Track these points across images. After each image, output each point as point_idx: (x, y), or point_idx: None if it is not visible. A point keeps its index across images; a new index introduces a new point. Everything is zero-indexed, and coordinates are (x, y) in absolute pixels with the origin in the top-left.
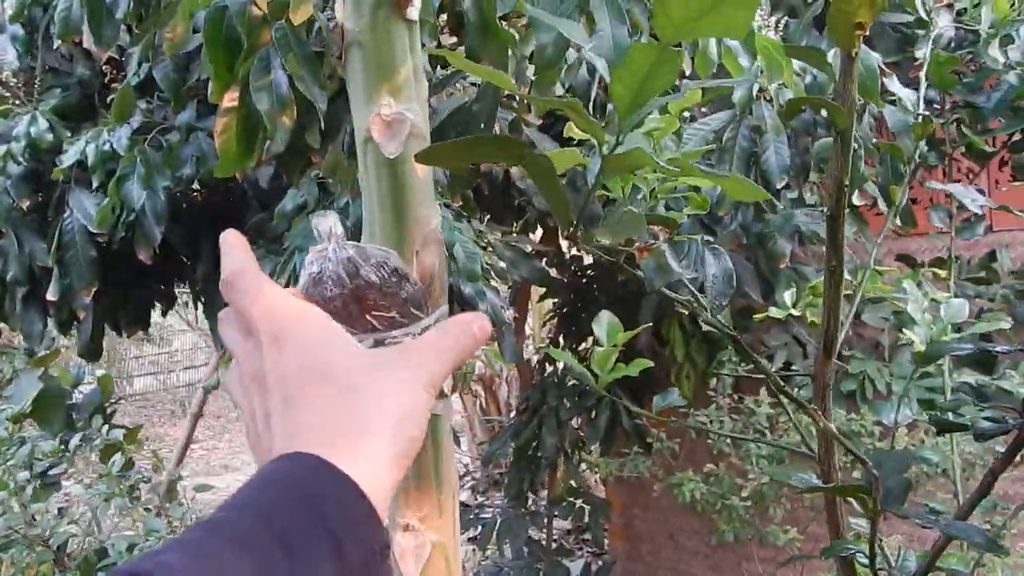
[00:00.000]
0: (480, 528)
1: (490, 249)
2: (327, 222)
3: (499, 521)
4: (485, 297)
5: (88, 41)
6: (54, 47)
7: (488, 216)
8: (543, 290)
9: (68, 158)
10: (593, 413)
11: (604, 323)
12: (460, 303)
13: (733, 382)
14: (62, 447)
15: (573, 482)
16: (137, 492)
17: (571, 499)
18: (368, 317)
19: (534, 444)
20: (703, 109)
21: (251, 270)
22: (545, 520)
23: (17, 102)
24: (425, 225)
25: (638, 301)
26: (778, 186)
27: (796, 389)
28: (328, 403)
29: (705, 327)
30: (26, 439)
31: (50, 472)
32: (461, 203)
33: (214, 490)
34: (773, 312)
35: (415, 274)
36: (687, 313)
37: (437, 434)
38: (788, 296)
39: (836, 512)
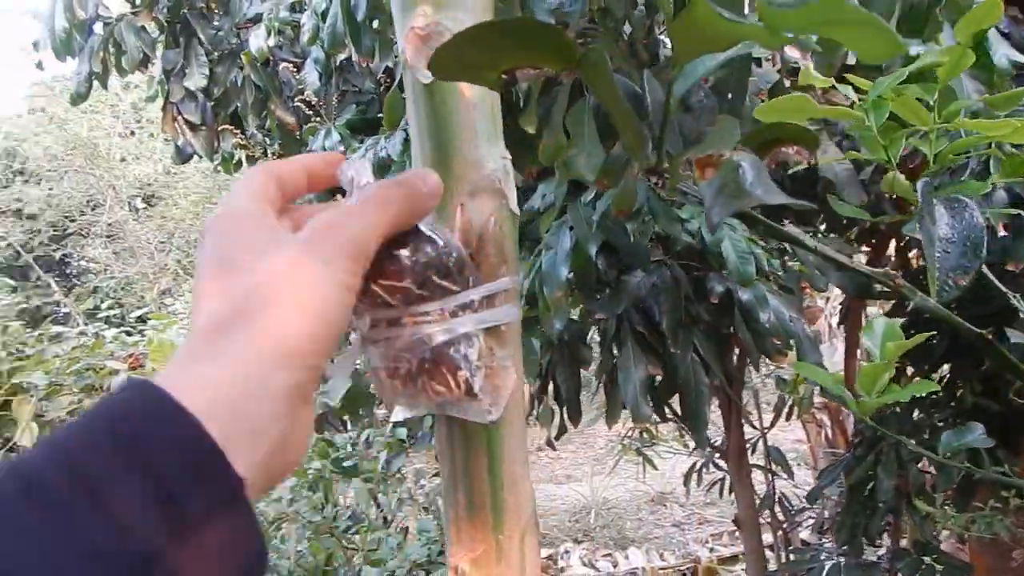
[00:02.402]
0: (808, 572)
1: (788, 253)
2: (350, 170)
3: (826, 568)
4: (767, 305)
5: (353, 52)
6: (338, 64)
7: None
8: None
9: None
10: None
11: (878, 331)
12: (740, 310)
13: None
14: (354, 440)
15: (920, 535)
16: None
17: (919, 555)
18: (375, 287)
19: (870, 485)
20: None
21: (262, 188)
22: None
23: (319, 120)
24: (476, 170)
25: (1007, 318)
26: None
27: None
28: (213, 297)
29: None
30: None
31: (345, 464)
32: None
33: (554, 498)
34: None
35: (454, 233)
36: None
37: (493, 450)
38: None
39: None
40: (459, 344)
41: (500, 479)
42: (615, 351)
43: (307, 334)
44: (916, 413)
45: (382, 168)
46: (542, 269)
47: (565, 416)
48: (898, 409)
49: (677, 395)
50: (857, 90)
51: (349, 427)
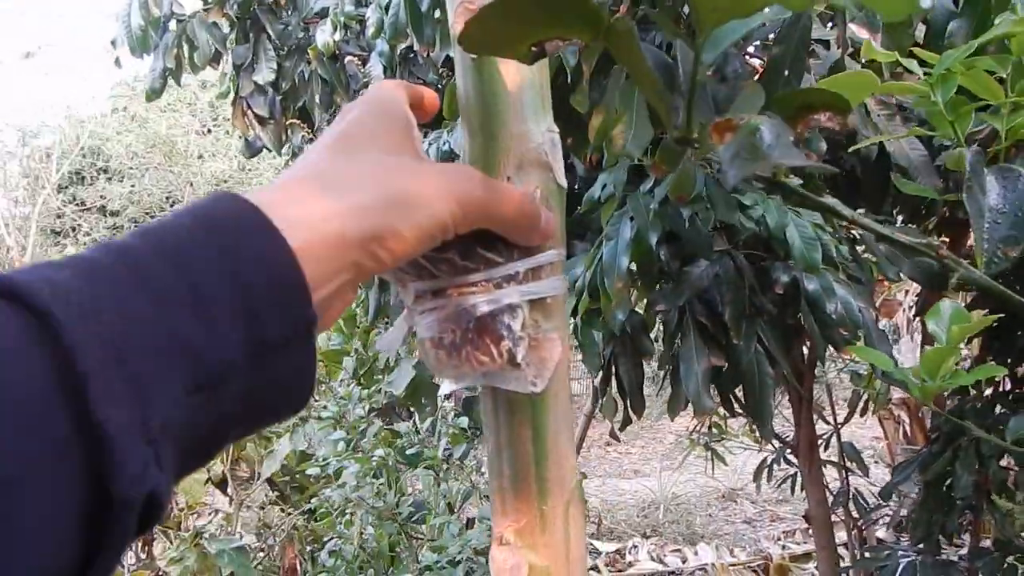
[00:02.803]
0: (880, 570)
1: (859, 240)
2: None
3: (901, 565)
4: (835, 295)
5: (414, 42)
6: (402, 56)
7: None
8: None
9: None
10: None
11: (944, 314)
12: (806, 300)
13: None
14: (417, 429)
15: (1001, 534)
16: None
17: (1001, 555)
18: (420, 259)
19: (948, 481)
20: None
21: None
22: (965, 575)
23: None
24: (521, 144)
25: None
26: None
27: None
28: (336, 153)
29: None
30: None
31: (408, 452)
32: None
33: (622, 492)
34: None
35: None
36: None
37: (538, 422)
38: None
39: None
40: (503, 315)
41: (544, 450)
42: (678, 342)
43: (392, 234)
44: (998, 408)
45: (446, 162)
46: (603, 260)
47: (628, 408)
48: (978, 405)
49: (741, 387)
50: (923, 64)
51: (416, 419)
